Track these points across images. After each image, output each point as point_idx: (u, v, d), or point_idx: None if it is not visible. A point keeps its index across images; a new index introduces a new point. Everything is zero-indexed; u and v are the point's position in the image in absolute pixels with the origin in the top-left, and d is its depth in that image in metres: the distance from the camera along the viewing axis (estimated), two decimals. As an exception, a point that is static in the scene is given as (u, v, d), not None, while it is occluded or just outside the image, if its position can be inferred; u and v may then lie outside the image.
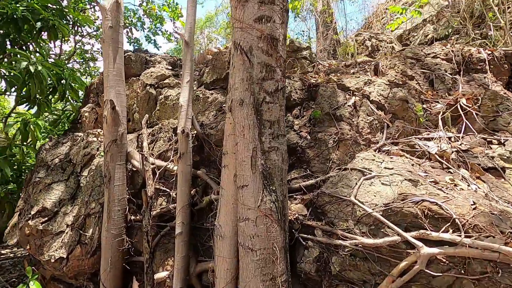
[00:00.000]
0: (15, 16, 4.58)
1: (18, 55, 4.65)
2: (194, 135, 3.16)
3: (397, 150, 2.26)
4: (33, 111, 5.12)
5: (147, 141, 3.30)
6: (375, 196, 1.83)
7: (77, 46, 8.72)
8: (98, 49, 9.75)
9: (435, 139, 2.28)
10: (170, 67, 4.86)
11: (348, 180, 1.96)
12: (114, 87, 3.09)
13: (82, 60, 9.57)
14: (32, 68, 3.97)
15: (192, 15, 3.21)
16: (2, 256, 5.98)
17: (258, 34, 1.91)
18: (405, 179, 1.84)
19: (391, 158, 2.12)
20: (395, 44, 6.40)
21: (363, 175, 1.96)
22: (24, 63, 4.12)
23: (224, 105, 3.49)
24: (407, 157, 2.16)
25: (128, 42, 9.28)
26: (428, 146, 2.20)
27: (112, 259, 2.99)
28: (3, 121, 5.65)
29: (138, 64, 4.83)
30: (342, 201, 1.89)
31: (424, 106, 2.60)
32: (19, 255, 6.25)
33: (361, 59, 4.46)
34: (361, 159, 2.11)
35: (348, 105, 2.59)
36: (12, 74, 4.26)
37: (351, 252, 1.77)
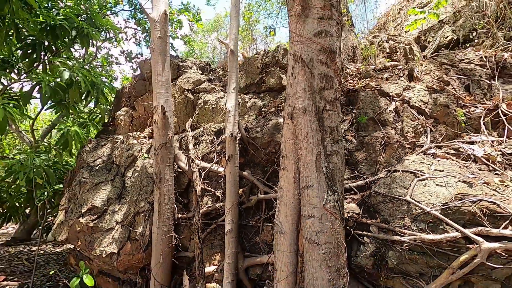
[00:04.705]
0: (52, 24, 4.84)
1: (57, 63, 4.89)
2: (238, 138, 3.35)
3: (443, 153, 2.41)
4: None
5: (192, 144, 3.51)
6: (431, 196, 1.99)
7: (99, 50, 9.03)
8: (121, 53, 10.02)
9: (478, 142, 2.43)
10: (200, 72, 5.06)
11: (402, 181, 2.13)
12: (163, 94, 3.30)
13: (106, 64, 9.90)
14: (75, 77, 4.23)
15: (236, 24, 3.40)
16: (33, 253, 6.27)
17: (318, 47, 2.09)
18: (459, 181, 2.00)
19: (439, 160, 2.28)
20: (414, 46, 6.50)
21: (416, 176, 2.12)
22: (67, 73, 4.36)
23: (263, 109, 3.68)
24: (453, 160, 2.31)
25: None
26: (473, 150, 2.35)
27: (162, 255, 3.20)
28: (30, 124, 5.92)
29: (171, 69, 5.04)
30: (397, 200, 2.05)
31: (463, 110, 2.75)
32: (49, 252, 6.55)
33: (390, 63, 4.60)
34: (411, 162, 2.27)
35: (389, 110, 2.75)
36: (53, 83, 4.48)
37: (410, 247, 1.94)
